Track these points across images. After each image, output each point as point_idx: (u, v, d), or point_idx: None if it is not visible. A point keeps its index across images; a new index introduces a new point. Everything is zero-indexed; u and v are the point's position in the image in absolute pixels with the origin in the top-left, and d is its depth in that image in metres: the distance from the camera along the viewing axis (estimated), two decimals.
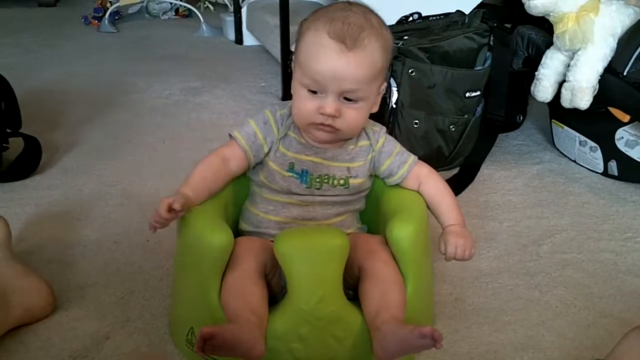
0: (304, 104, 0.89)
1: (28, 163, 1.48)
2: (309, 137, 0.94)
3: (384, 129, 1.00)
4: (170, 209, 0.84)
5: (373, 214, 1.01)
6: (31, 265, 1.06)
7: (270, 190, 0.95)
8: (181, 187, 0.91)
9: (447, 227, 0.96)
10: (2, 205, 1.33)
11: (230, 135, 0.96)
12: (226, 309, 0.83)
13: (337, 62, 0.85)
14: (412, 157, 0.99)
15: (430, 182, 0.98)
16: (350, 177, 0.95)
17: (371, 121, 0.99)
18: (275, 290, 0.89)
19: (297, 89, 0.90)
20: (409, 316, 0.84)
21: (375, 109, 0.94)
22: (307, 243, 0.84)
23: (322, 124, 0.89)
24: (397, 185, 0.99)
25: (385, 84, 0.94)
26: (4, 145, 1.47)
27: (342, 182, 0.95)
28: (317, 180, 0.94)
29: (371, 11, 0.91)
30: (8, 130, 1.48)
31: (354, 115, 0.89)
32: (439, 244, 0.94)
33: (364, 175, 0.97)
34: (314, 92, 0.88)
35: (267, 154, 0.95)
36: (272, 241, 0.86)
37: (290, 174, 0.93)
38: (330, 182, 0.94)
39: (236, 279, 0.84)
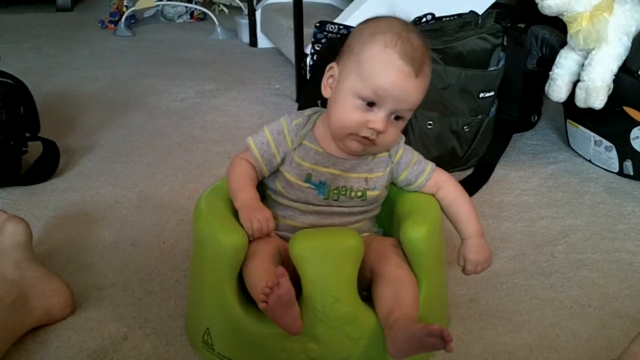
0: (350, 114, 0.87)
1: (46, 166, 1.50)
2: (335, 147, 0.93)
3: (403, 139, 0.99)
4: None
5: (387, 217, 1.02)
6: (50, 267, 1.08)
7: (286, 198, 0.95)
8: (240, 195, 0.92)
9: (465, 240, 0.96)
10: (22, 208, 1.35)
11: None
12: (256, 292, 0.80)
13: (405, 85, 0.85)
14: (430, 165, 0.99)
15: (448, 190, 0.98)
16: (368, 189, 0.95)
17: None
18: None
19: (345, 96, 0.87)
20: (422, 317, 0.85)
21: None
22: (322, 244, 0.85)
23: (365, 137, 0.88)
24: None
25: None
26: (23, 149, 1.49)
27: (359, 194, 0.94)
28: (335, 191, 0.93)
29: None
30: (27, 134, 1.51)
31: (394, 133, 0.90)
32: (458, 258, 0.97)
33: (382, 187, 0.96)
34: (369, 105, 0.86)
35: (282, 164, 0.94)
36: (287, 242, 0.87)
37: (308, 184, 0.93)
38: (348, 194, 0.94)
39: (257, 265, 0.84)
